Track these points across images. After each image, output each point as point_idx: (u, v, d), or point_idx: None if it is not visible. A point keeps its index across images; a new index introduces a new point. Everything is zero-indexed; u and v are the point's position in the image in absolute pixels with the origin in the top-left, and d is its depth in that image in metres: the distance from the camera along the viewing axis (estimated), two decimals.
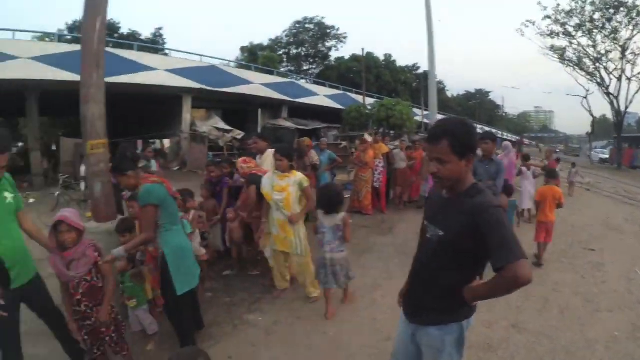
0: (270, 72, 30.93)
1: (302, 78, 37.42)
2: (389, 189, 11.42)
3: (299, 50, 54.29)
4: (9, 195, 3.56)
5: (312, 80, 36.75)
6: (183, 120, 23.43)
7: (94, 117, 5.07)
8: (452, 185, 2.33)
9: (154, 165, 8.99)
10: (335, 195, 5.12)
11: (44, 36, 25.90)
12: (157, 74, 21.57)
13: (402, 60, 75.07)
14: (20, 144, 45.27)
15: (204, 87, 23.31)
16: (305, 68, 54.47)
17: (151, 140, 19.84)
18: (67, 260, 3.56)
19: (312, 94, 31.73)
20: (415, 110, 34.43)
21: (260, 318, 5.08)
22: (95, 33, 5.14)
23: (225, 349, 4.44)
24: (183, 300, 4.03)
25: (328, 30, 53.60)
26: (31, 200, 13.74)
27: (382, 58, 54.39)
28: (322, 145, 11.16)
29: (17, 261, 3.38)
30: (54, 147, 20.80)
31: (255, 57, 45.10)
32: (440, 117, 31.32)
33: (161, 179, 4.09)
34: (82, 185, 14.06)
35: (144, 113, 25.59)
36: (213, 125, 24.02)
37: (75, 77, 16.85)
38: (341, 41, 54.30)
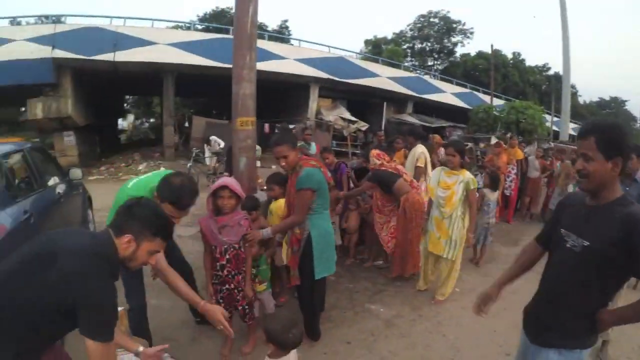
0: (397, 66, 30.35)
1: (427, 73, 36.09)
2: (519, 199, 10.66)
3: (424, 45, 52.64)
4: None
5: (439, 77, 35.35)
6: (309, 109, 23.86)
7: (245, 95, 5.30)
8: (596, 190, 2.15)
9: (314, 148, 8.79)
10: (498, 178, 7.58)
11: (177, 26, 27.53)
12: (286, 62, 22.21)
13: (531, 59, 71.44)
14: (151, 120, 49.24)
15: (331, 77, 23.53)
16: (429, 64, 52.49)
17: (277, 125, 20.60)
18: (219, 225, 3.76)
19: (438, 90, 30.62)
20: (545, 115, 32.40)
21: (381, 309, 5.10)
22: (248, 17, 5.31)
23: (344, 334, 4.53)
24: (318, 284, 4.14)
25: (454, 25, 51.29)
26: (162, 169, 14.64)
27: (509, 56, 50.86)
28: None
29: None
30: (186, 124, 22.22)
31: (379, 50, 44.43)
32: (572, 125, 29.09)
33: (319, 163, 4.15)
34: (207, 160, 14.98)
35: (271, 99, 26.30)
36: (339, 115, 24.27)
37: (207, 62, 19.23)
38: (467, 36, 51.79)
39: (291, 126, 21.12)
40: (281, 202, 4.80)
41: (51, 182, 5.78)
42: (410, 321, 4.84)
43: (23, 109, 27.15)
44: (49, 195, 5.44)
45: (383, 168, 5.88)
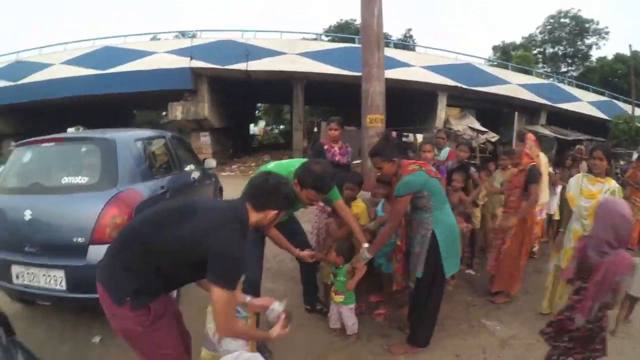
0: (528, 72, 28.72)
1: (562, 80, 32.69)
2: None
3: (555, 49, 49.17)
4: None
5: (575, 84, 31.99)
6: (437, 117, 23.58)
7: (374, 92, 5.56)
8: None
9: (445, 153, 7.11)
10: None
11: (303, 38, 28.66)
12: (413, 70, 22.27)
13: None
14: (281, 127, 51.83)
15: (459, 85, 23.09)
16: (563, 70, 49.04)
17: (405, 134, 20.70)
18: None
19: (573, 98, 28.18)
20: None
21: (498, 327, 4.87)
22: (374, 17, 5.62)
23: (455, 345, 4.43)
24: (440, 289, 4.09)
25: (586, 25, 47.02)
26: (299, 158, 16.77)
27: None
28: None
29: None
30: (315, 129, 23.34)
31: (507, 57, 42.36)
32: None
33: (419, 163, 4.08)
34: None
35: (398, 107, 26.19)
36: (468, 124, 23.59)
37: (334, 70, 20.27)
38: (602, 37, 47.24)
39: (418, 135, 21.06)
40: (359, 203, 4.94)
41: (187, 168, 6.62)
42: (527, 345, 4.52)
43: (164, 113, 30.49)
44: (185, 178, 6.29)
45: (534, 163, 5.39)
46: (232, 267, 2.33)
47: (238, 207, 2.54)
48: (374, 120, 5.57)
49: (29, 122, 22.25)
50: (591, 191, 4.52)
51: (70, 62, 21.29)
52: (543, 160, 6.68)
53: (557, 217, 8.16)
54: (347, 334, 4.38)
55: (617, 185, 4.55)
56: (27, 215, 4.03)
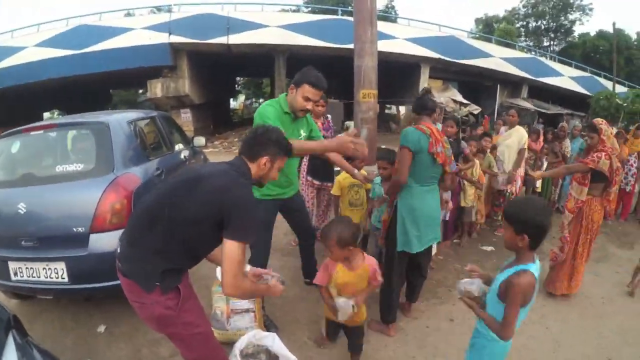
0: (511, 46, 28.69)
1: (544, 55, 32.63)
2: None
3: (539, 23, 49.39)
4: (303, 133, 3.92)
5: (557, 58, 31.77)
6: (419, 90, 22.98)
7: (367, 68, 5.68)
8: None
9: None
10: None
11: (282, 9, 28.55)
12: (396, 42, 22.12)
13: None
14: (261, 100, 52.56)
15: (442, 57, 23.09)
16: (545, 44, 49.53)
17: (387, 106, 20.53)
18: None
19: (555, 73, 28.20)
20: None
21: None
22: None
23: (449, 311, 4.59)
24: (398, 258, 3.95)
25: (570, 0, 47.08)
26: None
27: (634, 37, 45.90)
28: (576, 131, 9.34)
29: (291, 183, 4.05)
30: None
31: (490, 29, 42.44)
32: None
33: (434, 131, 3.75)
34: None
35: (380, 79, 25.96)
36: (450, 97, 23.20)
37: (317, 42, 19.97)
38: (586, 13, 47.45)
39: (401, 107, 20.99)
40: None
41: (177, 148, 6.34)
42: None
43: (141, 90, 30.24)
44: (176, 157, 6.02)
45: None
46: (248, 219, 2.34)
47: (238, 163, 2.55)
48: (367, 95, 5.68)
49: (4, 110, 21.66)
50: None
51: (44, 43, 20.74)
52: (522, 133, 6.90)
53: (539, 189, 8.41)
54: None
55: None
56: (22, 208, 3.88)
